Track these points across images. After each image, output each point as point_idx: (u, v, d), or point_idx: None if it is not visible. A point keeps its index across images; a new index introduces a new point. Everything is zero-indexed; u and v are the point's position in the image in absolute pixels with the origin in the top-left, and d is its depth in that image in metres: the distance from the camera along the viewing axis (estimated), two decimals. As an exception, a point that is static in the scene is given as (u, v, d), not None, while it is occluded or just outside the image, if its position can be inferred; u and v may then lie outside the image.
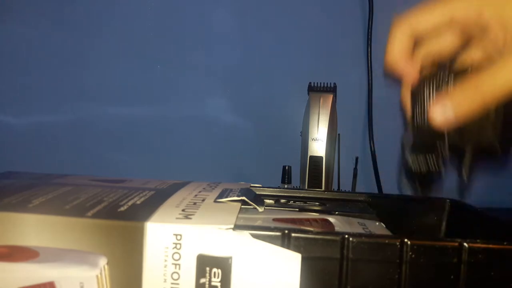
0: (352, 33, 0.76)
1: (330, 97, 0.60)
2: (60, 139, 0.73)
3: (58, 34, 0.73)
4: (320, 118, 0.59)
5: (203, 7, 0.75)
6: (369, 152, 0.75)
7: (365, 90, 0.76)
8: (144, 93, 0.75)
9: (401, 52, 0.35)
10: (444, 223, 0.44)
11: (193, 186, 0.41)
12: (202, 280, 0.29)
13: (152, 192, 0.37)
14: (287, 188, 0.46)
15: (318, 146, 0.59)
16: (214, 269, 0.29)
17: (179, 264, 0.29)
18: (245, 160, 0.73)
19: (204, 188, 0.39)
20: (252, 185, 0.44)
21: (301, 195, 0.45)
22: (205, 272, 0.29)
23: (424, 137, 0.34)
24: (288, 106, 0.74)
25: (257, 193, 0.43)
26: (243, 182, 0.45)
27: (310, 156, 0.59)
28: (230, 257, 0.29)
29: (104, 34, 0.74)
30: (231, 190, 0.38)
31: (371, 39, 0.74)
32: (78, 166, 0.65)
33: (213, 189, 0.39)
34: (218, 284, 0.29)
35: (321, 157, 0.59)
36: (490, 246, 0.29)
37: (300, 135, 0.62)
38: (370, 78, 0.75)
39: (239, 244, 0.29)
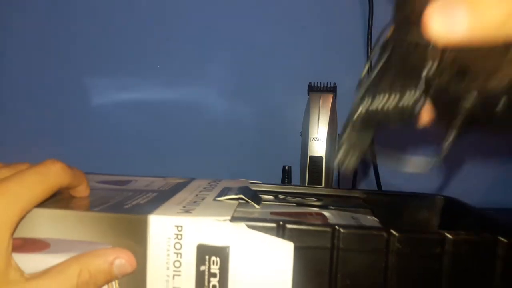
0: (352, 33, 0.76)
1: (330, 97, 0.60)
2: (63, 132, 0.74)
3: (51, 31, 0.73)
4: (320, 118, 0.59)
5: (202, 6, 0.75)
6: (369, 152, 0.75)
7: (365, 90, 0.77)
8: (143, 99, 0.76)
9: None
10: (437, 219, 0.46)
11: (194, 185, 0.43)
12: (202, 268, 0.31)
13: (155, 194, 0.39)
14: (285, 184, 0.47)
15: (318, 146, 0.59)
16: (213, 258, 0.31)
17: (180, 253, 0.31)
18: (245, 160, 0.74)
19: (204, 188, 0.41)
20: (251, 181, 0.46)
21: (299, 191, 0.46)
22: (204, 260, 0.31)
23: (405, 58, 0.23)
24: (288, 106, 0.75)
25: (257, 189, 0.45)
26: (242, 179, 0.47)
27: (310, 156, 0.59)
28: (228, 246, 0.31)
29: (107, 27, 0.74)
30: (230, 188, 0.40)
31: (371, 39, 0.74)
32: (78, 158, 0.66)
33: (214, 188, 0.41)
34: (217, 271, 0.31)
35: (321, 157, 0.59)
36: (472, 237, 0.31)
37: (300, 135, 0.62)
38: (370, 78, 0.76)
39: (236, 234, 0.31)
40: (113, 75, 0.74)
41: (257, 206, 0.38)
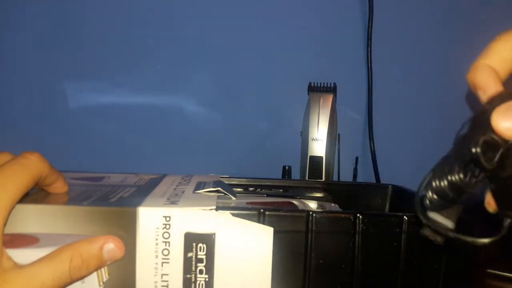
0: (352, 33, 0.76)
1: (330, 97, 0.61)
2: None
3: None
4: (320, 118, 0.60)
5: (202, 5, 0.75)
6: (369, 152, 0.75)
7: (365, 90, 0.76)
8: (142, 93, 0.75)
9: (494, 66, 0.28)
10: (387, 204, 0.51)
11: (169, 180, 0.45)
12: (190, 254, 0.34)
13: (134, 189, 0.41)
14: (253, 178, 0.51)
15: (318, 146, 0.60)
16: (200, 244, 0.34)
17: (169, 242, 0.34)
18: (245, 160, 0.74)
19: (180, 182, 0.44)
20: (221, 176, 0.49)
21: (267, 184, 0.50)
22: (192, 247, 0.34)
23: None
24: (288, 106, 0.74)
25: (228, 183, 0.48)
26: (213, 174, 0.50)
27: (310, 156, 0.60)
28: (214, 233, 0.34)
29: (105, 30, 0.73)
30: (205, 183, 0.43)
31: (371, 39, 0.74)
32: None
33: (188, 182, 0.44)
34: (204, 257, 0.34)
35: (321, 157, 0.60)
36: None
37: (300, 135, 0.62)
38: (370, 78, 0.75)
39: (221, 222, 0.34)
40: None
41: (233, 198, 0.41)
